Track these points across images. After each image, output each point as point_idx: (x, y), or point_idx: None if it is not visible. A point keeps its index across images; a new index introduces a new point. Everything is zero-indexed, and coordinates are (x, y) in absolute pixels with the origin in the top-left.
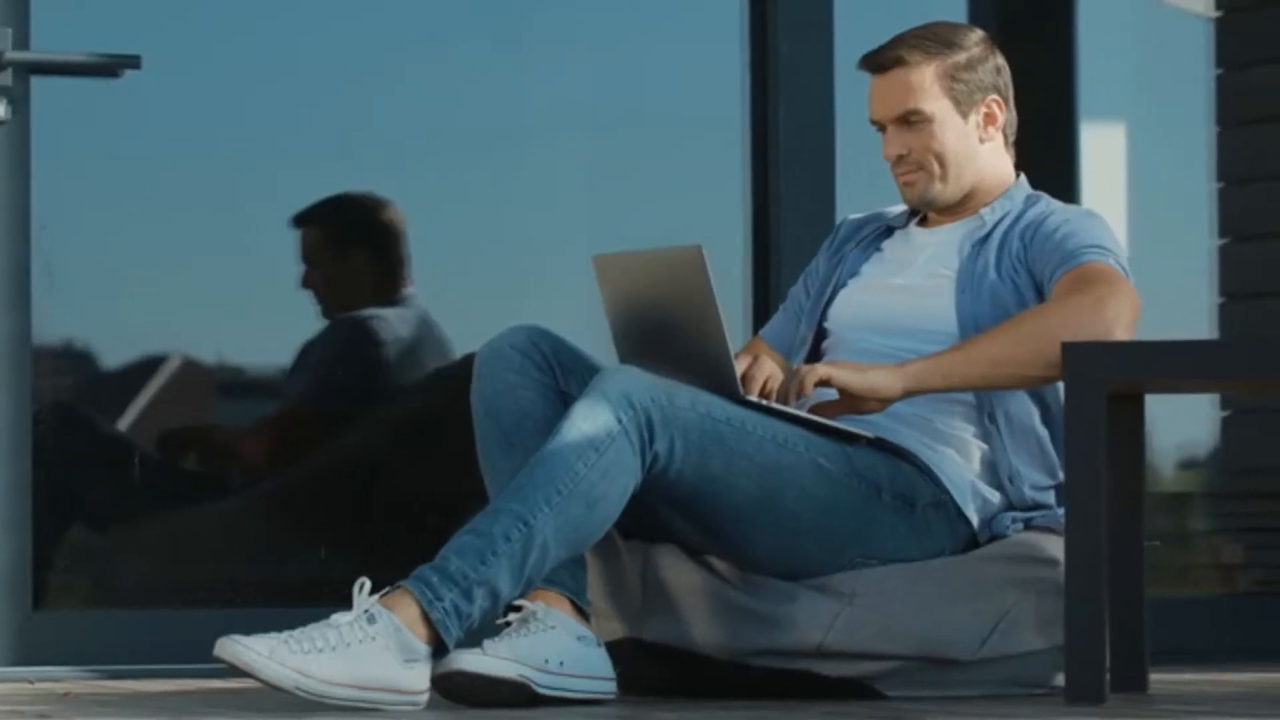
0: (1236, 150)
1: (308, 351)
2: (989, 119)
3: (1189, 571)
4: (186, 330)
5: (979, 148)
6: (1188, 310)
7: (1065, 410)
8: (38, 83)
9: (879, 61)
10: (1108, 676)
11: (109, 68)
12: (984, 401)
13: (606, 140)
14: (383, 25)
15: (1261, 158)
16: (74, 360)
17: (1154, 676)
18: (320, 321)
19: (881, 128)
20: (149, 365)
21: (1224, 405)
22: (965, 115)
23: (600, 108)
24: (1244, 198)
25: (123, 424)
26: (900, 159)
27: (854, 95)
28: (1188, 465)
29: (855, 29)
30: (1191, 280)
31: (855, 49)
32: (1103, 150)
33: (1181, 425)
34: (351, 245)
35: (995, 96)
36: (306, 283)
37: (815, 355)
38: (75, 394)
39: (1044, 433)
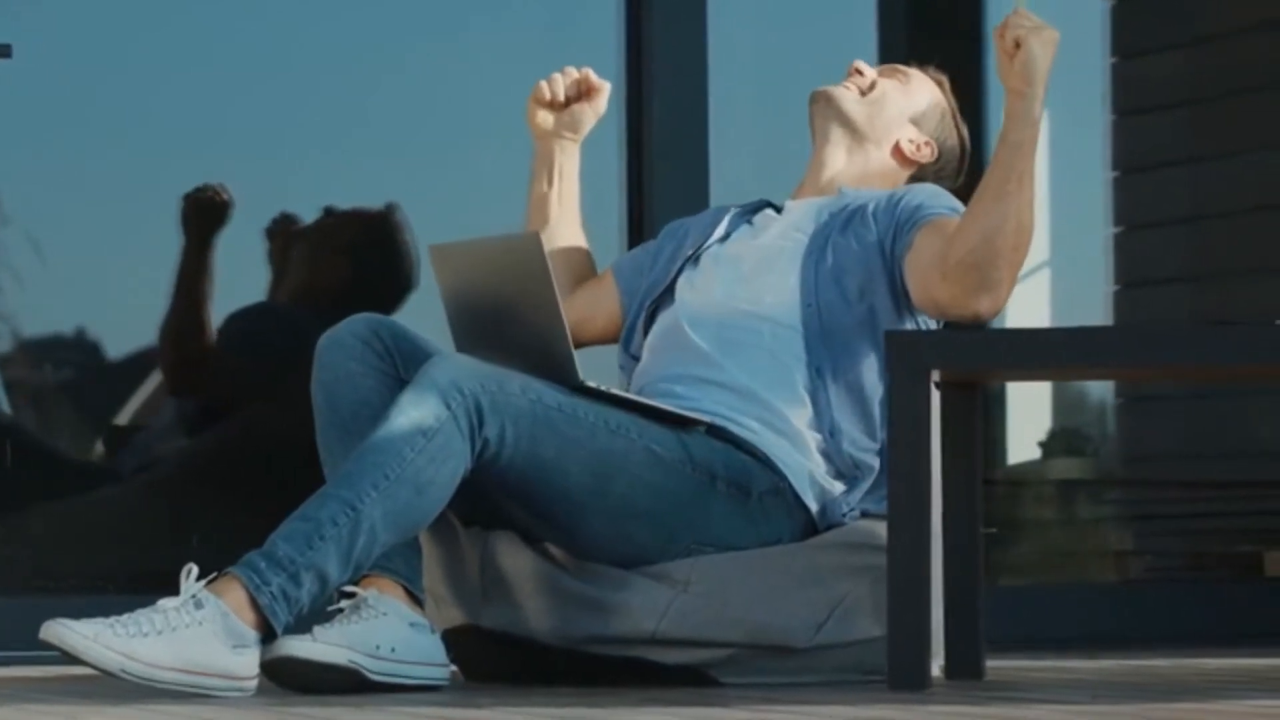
0: (1131, 139)
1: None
2: (916, 150)
3: (1079, 558)
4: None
5: (889, 147)
6: (1083, 298)
7: (889, 400)
8: None
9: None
10: (941, 662)
11: None
12: (814, 354)
13: (488, 134)
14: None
15: (1155, 147)
16: None
17: (1003, 663)
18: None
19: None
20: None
21: (1117, 393)
22: (915, 124)
23: (474, 103)
24: (1139, 186)
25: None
26: (860, 72)
27: (727, 91)
28: (1079, 452)
29: (728, 24)
30: (1087, 268)
31: (728, 44)
32: None
33: (1073, 412)
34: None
35: (937, 156)
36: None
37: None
38: None
39: (875, 391)
